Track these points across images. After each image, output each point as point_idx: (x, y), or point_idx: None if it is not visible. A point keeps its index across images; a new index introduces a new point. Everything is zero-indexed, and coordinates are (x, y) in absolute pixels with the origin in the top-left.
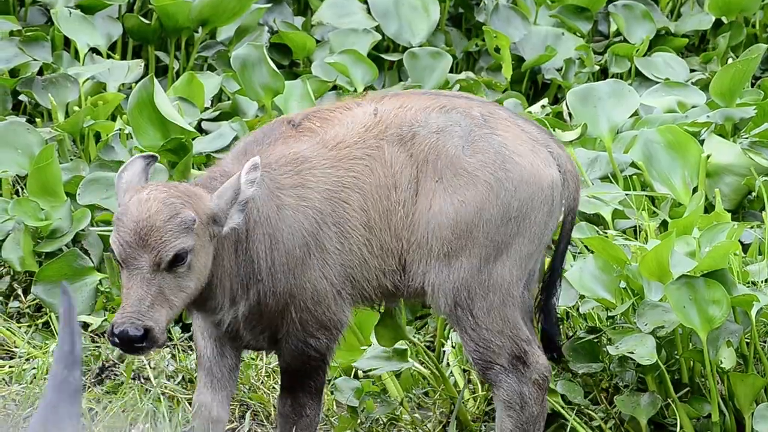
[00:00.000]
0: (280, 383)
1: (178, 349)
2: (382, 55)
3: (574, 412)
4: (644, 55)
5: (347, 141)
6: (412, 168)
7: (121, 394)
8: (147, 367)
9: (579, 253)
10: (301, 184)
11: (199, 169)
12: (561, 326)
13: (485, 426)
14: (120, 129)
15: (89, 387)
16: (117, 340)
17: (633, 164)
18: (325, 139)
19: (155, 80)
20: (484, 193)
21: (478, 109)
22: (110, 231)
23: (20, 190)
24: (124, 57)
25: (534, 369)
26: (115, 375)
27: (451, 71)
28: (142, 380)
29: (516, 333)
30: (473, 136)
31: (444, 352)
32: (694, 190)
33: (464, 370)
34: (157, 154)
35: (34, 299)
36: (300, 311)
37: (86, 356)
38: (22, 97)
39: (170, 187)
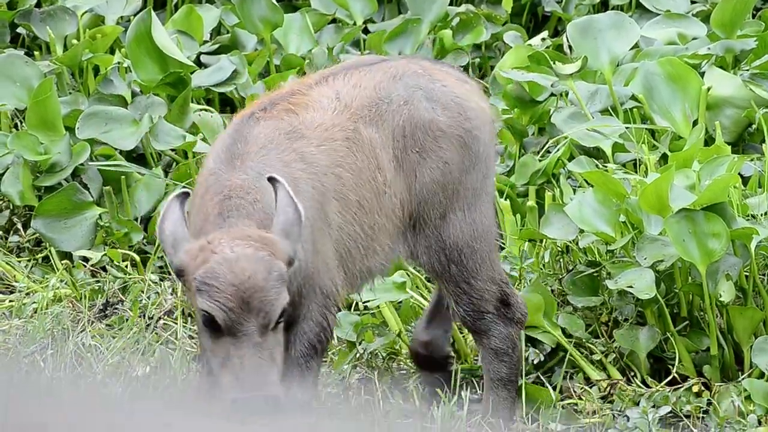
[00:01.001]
0: None
1: (176, 283)
2: None
3: (574, 345)
4: None
5: (325, 124)
6: (389, 146)
7: (126, 330)
8: (148, 303)
9: (578, 186)
10: (302, 159)
11: (198, 103)
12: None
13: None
14: (119, 62)
15: (93, 322)
16: (242, 414)
17: (633, 97)
18: (305, 122)
19: (153, 13)
20: (460, 147)
21: (415, 65)
22: (109, 166)
23: (19, 123)
24: None
25: (516, 309)
26: (118, 311)
27: (450, 4)
28: (145, 317)
29: (501, 276)
30: (433, 95)
31: None
32: (695, 122)
33: None
34: (189, 190)
35: (34, 233)
36: (319, 288)
37: (88, 291)
38: (20, 30)
39: (247, 239)
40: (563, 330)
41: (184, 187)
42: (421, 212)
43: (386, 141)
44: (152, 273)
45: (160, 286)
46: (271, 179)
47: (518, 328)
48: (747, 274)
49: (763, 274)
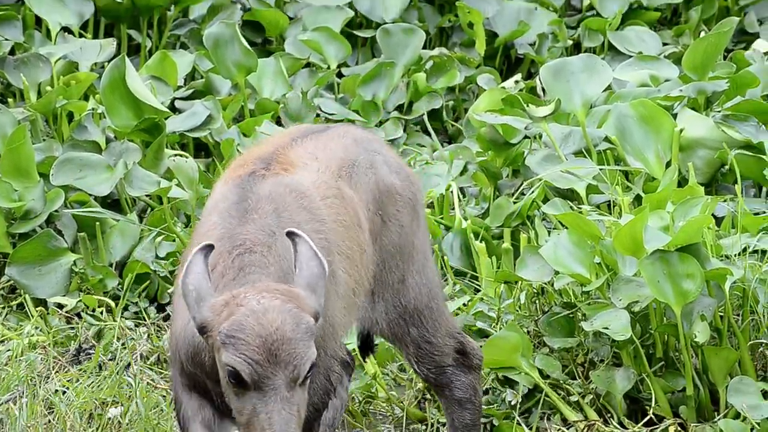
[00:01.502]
0: None
1: (152, 329)
2: (355, 32)
3: (552, 387)
4: (617, 29)
5: (317, 182)
6: (362, 207)
7: (98, 375)
8: (124, 348)
9: (553, 228)
10: (312, 217)
11: (173, 148)
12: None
13: None
14: (93, 109)
15: (65, 368)
16: None
17: (606, 139)
18: (303, 180)
19: (127, 59)
20: (410, 210)
21: (362, 131)
22: (84, 212)
23: None
24: (96, 36)
25: (473, 355)
26: (91, 356)
27: (424, 47)
28: (119, 362)
29: (455, 328)
30: (388, 160)
31: None
32: (668, 164)
33: None
34: (213, 243)
35: (8, 281)
36: (323, 350)
37: (62, 338)
38: None
39: (274, 292)
40: (540, 371)
41: (159, 232)
42: (381, 276)
43: (360, 202)
44: (127, 319)
45: (135, 332)
46: (290, 234)
47: (477, 374)
48: (722, 314)
49: (738, 315)
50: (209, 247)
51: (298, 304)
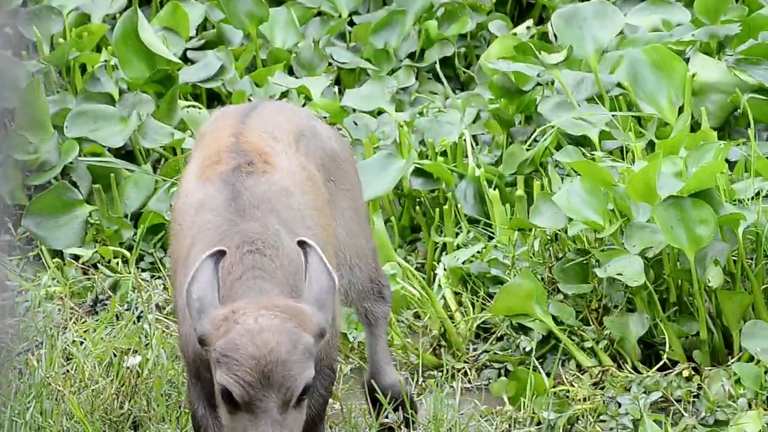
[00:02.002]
0: None
1: (167, 279)
2: None
3: (566, 333)
4: None
5: (292, 171)
6: (319, 177)
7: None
8: (139, 298)
9: (566, 175)
10: (301, 217)
11: (186, 99)
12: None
13: (475, 348)
14: (105, 61)
15: (83, 318)
16: None
17: (619, 84)
18: (283, 173)
19: (139, 11)
20: (352, 171)
21: (286, 105)
22: (99, 163)
23: (7, 123)
24: None
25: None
26: (108, 307)
27: None
28: (134, 311)
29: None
30: (321, 125)
31: (435, 275)
32: (680, 109)
33: (455, 293)
34: (225, 249)
35: (25, 232)
36: (326, 356)
37: (79, 289)
38: (6, 30)
39: (274, 309)
40: (554, 318)
41: (173, 183)
42: (345, 242)
43: (317, 172)
44: (142, 270)
45: (150, 284)
46: (301, 243)
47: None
48: (735, 258)
49: (751, 259)
50: (220, 254)
51: (299, 322)
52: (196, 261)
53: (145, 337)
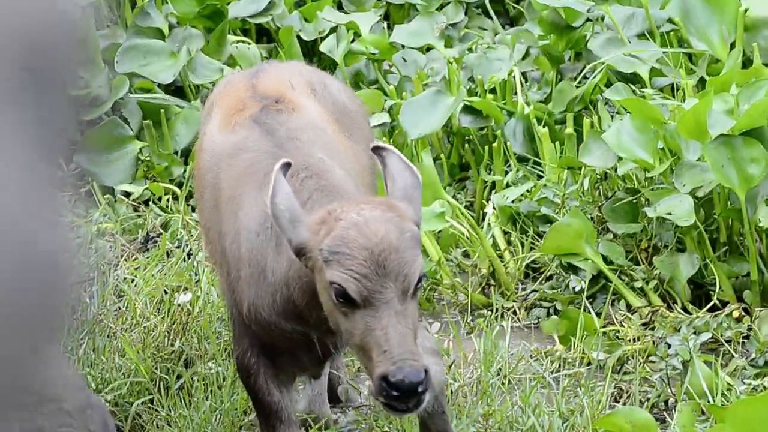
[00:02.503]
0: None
1: None
2: None
3: (617, 273)
4: None
5: (316, 108)
6: (338, 130)
7: (166, 263)
8: (190, 235)
9: (616, 112)
10: (336, 151)
11: (235, 35)
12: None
13: (524, 287)
14: None
15: (134, 255)
16: (396, 392)
17: (670, 20)
18: (313, 114)
19: None
20: (363, 122)
21: (294, 62)
22: (150, 97)
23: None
24: None
25: None
26: (158, 244)
27: None
28: (185, 249)
29: None
30: (330, 79)
31: (484, 213)
32: (732, 45)
33: (505, 232)
34: (290, 160)
35: (76, 168)
36: None
37: (129, 226)
38: None
39: (373, 203)
40: (604, 257)
41: None
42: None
43: (335, 122)
44: (192, 208)
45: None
46: (377, 148)
47: None
48: None
49: None
50: (287, 165)
51: (398, 214)
52: (244, 202)
53: (195, 274)
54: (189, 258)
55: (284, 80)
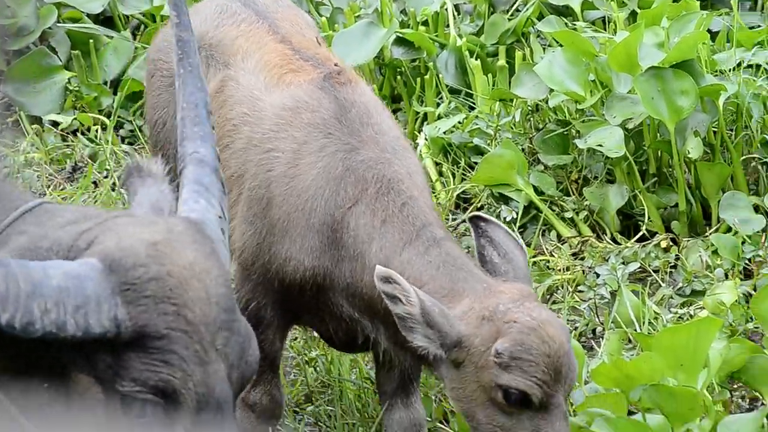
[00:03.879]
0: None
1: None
2: None
3: (547, 204)
4: None
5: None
6: None
7: (93, 192)
8: (118, 165)
9: (548, 45)
10: (393, 129)
11: None
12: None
13: (455, 218)
14: None
15: (61, 185)
16: None
17: None
18: (364, 85)
19: None
20: None
21: None
22: (78, 27)
23: None
24: None
25: None
26: (86, 174)
27: None
28: (112, 179)
29: None
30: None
31: (416, 144)
32: None
33: (436, 163)
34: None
35: (3, 98)
36: None
37: (58, 155)
38: None
39: (530, 298)
40: (535, 188)
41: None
42: None
43: None
44: (122, 138)
45: (130, 156)
46: (476, 219)
47: None
48: (715, 130)
49: (731, 130)
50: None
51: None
52: (306, 178)
53: (122, 204)
54: (116, 188)
55: (304, 31)
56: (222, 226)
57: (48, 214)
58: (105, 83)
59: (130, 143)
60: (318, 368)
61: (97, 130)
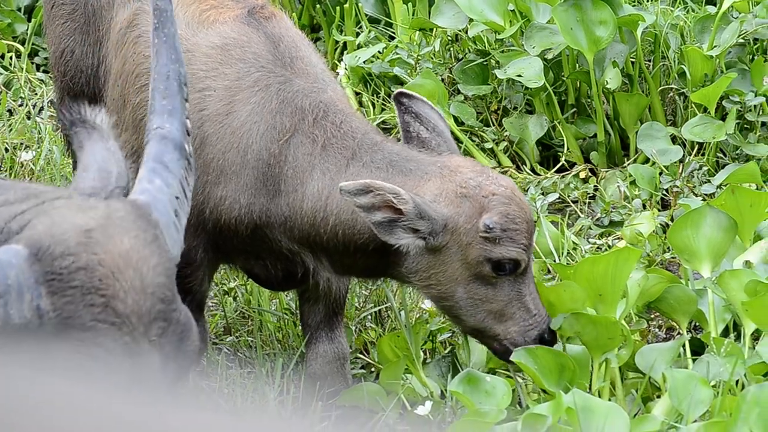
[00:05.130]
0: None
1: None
2: None
3: (467, 134)
4: None
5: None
6: None
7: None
8: (34, 93)
9: None
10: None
11: None
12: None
13: None
14: None
15: None
16: (551, 342)
17: None
18: (287, 20)
19: None
20: None
21: None
22: None
23: None
24: None
25: None
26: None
27: None
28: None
29: None
30: None
31: (336, 74)
32: None
33: (356, 93)
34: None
35: None
36: None
37: None
38: None
39: (483, 167)
40: (455, 118)
41: None
42: None
43: None
44: (38, 65)
45: (45, 84)
46: (400, 95)
47: None
48: (633, 60)
49: (649, 60)
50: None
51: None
52: (241, 114)
53: (38, 132)
54: (30, 117)
55: None
56: (177, 207)
57: None
58: (19, 9)
59: (45, 71)
60: (237, 299)
61: (11, 58)
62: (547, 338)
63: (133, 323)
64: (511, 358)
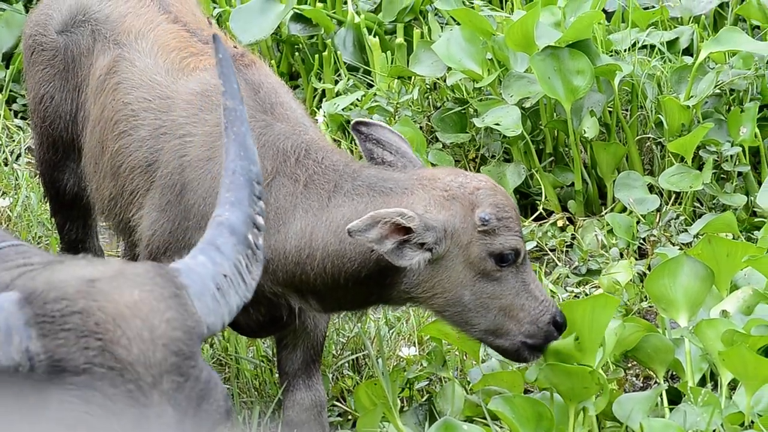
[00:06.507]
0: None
1: None
2: None
3: None
4: None
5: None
6: None
7: None
8: (11, 140)
9: (446, 23)
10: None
11: None
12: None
13: None
14: None
15: None
16: (558, 331)
17: None
18: (265, 68)
19: None
20: None
21: None
22: None
23: None
24: None
25: None
26: None
27: None
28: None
29: None
30: None
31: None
32: None
33: (335, 140)
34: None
35: None
36: None
37: None
38: None
39: (454, 169)
40: (433, 166)
41: None
42: None
43: None
44: (16, 111)
45: (22, 130)
46: (358, 125)
47: None
48: (611, 109)
49: (626, 110)
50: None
51: None
52: (219, 165)
53: (15, 179)
54: (8, 164)
55: (194, 10)
56: (222, 283)
57: (11, 255)
58: None
59: (23, 117)
60: (214, 346)
61: None
62: (559, 320)
63: (139, 372)
64: (488, 406)
